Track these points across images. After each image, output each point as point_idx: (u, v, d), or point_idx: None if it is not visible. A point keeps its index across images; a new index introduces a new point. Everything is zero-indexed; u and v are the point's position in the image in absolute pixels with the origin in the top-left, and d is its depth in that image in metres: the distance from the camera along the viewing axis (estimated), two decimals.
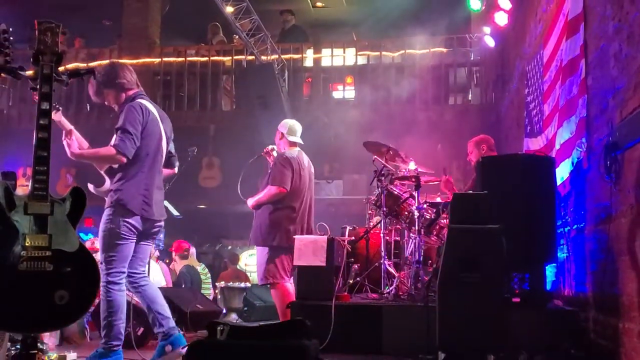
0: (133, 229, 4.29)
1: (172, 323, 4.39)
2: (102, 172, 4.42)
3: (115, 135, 4.31)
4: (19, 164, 10.12)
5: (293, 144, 5.97)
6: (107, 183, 4.38)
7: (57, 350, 5.06)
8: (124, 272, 4.29)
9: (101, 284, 4.11)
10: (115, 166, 4.32)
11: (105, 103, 4.54)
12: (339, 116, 9.91)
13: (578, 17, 4.71)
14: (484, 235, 3.82)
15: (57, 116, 4.18)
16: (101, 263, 4.22)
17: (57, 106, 4.19)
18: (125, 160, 4.21)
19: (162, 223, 4.57)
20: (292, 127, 6.03)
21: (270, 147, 6.14)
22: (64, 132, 4.21)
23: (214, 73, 11.23)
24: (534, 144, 6.29)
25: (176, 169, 4.86)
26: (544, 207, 4.64)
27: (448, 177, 6.52)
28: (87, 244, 5.83)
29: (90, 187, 4.38)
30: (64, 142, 4.21)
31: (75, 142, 4.26)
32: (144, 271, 4.51)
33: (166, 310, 4.40)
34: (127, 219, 4.25)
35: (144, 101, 4.42)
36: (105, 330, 4.17)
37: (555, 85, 5.42)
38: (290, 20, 11.61)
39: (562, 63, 5.18)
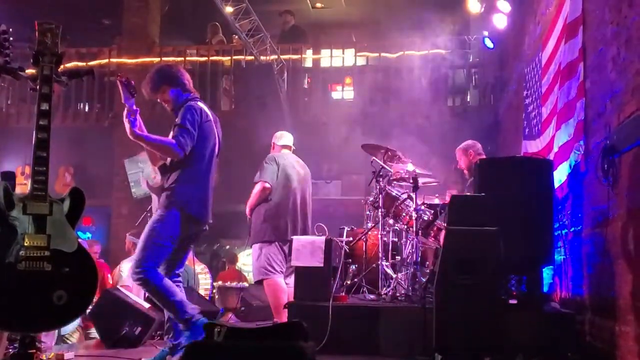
0: (182, 233, 4.25)
1: (185, 340, 4.28)
2: (154, 168, 4.42)
3: (172, 131, 4.30)
4: (17, 163, 10.12)
5: (283, 147, 6.18)
6: (158, 179, 4.38)
7: (55, 349, 5.07)
8: (157, 266, 4.21)
9: (136, 283, 4.14)
10: (168, 163, 4.33)
11: (159, 100, 4.52)
12: (337, 117, 9.91)
13: (577, 21, 4.73)
14: (481, 238, 3.83)
15: (131, 102, 4.15)
16: (137, 259, 4.15)
17: (133, 92, 4.15)
18: (182, 155, 4.21)
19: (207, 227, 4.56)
20: (281, 133, 6.33)
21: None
22: (127, 110, 4.15)
23: (213, 73, 11.23)
24: (532, 147, 6.30)
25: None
26: (541, 210, 4.65)
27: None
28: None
29: (143, 183, 4.37)
30: (126, 120, 4.15)
31: (139, 122, 4.21)
32: (180, 274, 4.47)
33: None
34: (179, 222, 4.22)
35: (201, 104, 4.45)
36: (176, 314, 4.13)
37: (554, 88, 5.43)
38: (290, 21, 11.62)
39: (560, 66, 5.19)
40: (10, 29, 3.85)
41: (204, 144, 4.35)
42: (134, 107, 4.18)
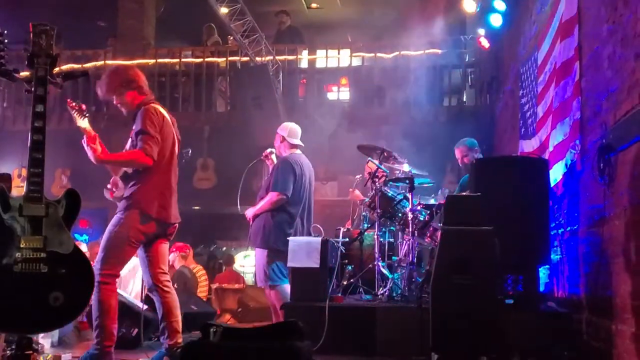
0: (143, 235, 4.27)
1: (180, 339, 4.34)
2: (116, 178, 4.41)
3: (131, 140, 4.31)
4: (14, 165, 10.10)
5: (294, 147, 5.99)
6: (121, 189, 4.37)
7: (52, 350, 5.06)
8: (117, 276, 4.29)
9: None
10: (130, 171, 4.31)
11: (115, 103, 4.49)
12: (333, 117, 9.91)
13: (572, 19, 4.73)
14: (477, 237, 3.84)
15: (84, 123, 4.18)
16: (97, 262, 4.20)
17: (86, 114, 4.20)
18: (151, 163, 4.21)
19: (177, 226, 4.54)
20: (292, 129, 6.04)
21: (269, 150, 6.13)
22: (86, 136, 4.18)
23: (209, 74, 11.21)
24: (528, 146, 6.31)
25: None
26: (537, 209, 4.66)
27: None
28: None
29: (106, 192, 4.38)
30: (87, 147, 4.18)
31: (99, 147, 4.22)
32: (166, 272, 4.47)
33: (179, 324, 4.38)
34: (140, 224, 4.23)
35: (157, 105, 4.44)
36: (97, 331, 4.15)
37: (550, 87, 5.44)
38: (286, 21, 11.61)
39: (556, 65, 5.20)
40: (5, 31, 3.85)
41: (163, 145, 4.33)
42: (92, 133, 4.20)
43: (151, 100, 4.47)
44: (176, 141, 4.52)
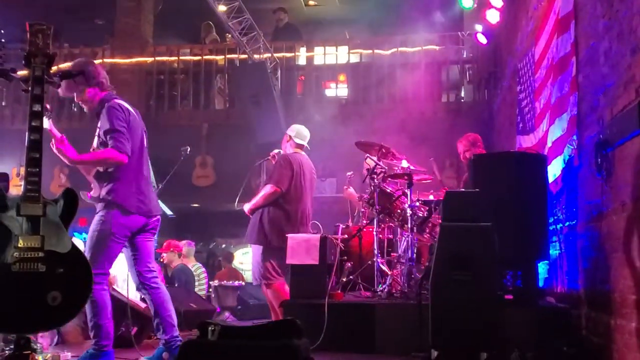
0: (127, 230, 4.27)
1: (176, 332, 4.34)
2: (90, 178, 4.38)
3: (98, 138, 4.28)
4: (12, 164, 10.10)
5: (299, 147, 6.01)
6: (96, 189, 4.34)
7: (52, 350, 5.06)
8: (107, 274, 4.27)
9: None
10: (101, 170, 4.30)
11: (76, 100, 4.44)
12: (331, 114, 9.91)
13: (569, 15, 4.73)
14: (475, 233, 3.84)
15: (48, 124, 4.14)
16: None
17: (48, 114, 4.16)
18: (126, 160, 4.18)
19: (159, 217, 4.53)
20: (300, 131, 6.09)
21: (275, 150, 6.16)
22: (54, 140, 4.13)
23: (207, 72, 11.21)
24: (526, 142, 6.31)
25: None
26: (536, 205, 4.67)
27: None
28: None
29: (83, 195, 4.35)
30: (55, 150, 4.13)
31: (71, 148, 4.18)
32: (154, 269, 4.46)
33: (173, 317, 4.36)
34: (122, 219, 4.22)
35: (120, 101, 4.38)
36: (93, 331, 4.15)
37: (547, 82, 5.45)
38: (284, 18, 11.60)
39: (553, 61, 5.20)
40: (2, 31, 3.84)
41: (133, 139, 4.30)
42: (58, 135, 4.14)
43: (113, 96, 4.41)
44: (144, 134, 4.48)
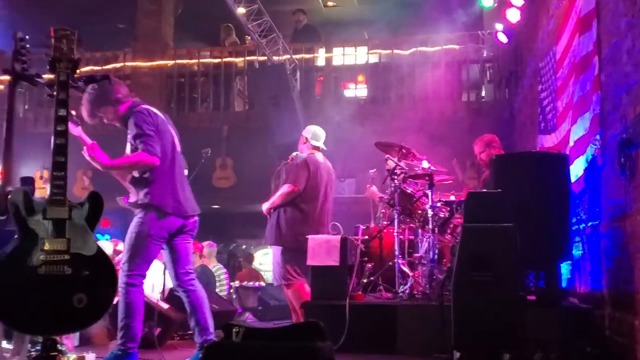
0: (165, 231, 4.31)
1: (211, 335, 4.34)
2: (126, 185, 4.44)
3: (130, 145, 4.32)
4: (35, 167, 10.21)
5: (316, 149, 6.03)
6: (133, 194, 4.40)
7: (77, 351, 5.12)
8: (144, 276, 4.31)
9: (120, 285, 4.15)
10: (137, 175, 4.35)
11: (105, 121, 4.50)
12: (351, 114, 9.91)
13: (590, 14, 4.70)
14: (497, 234, 3.83)
15: (77, 131, 4.21)
16: (123, 263, 4.25)
17: (77, 121, 4.23)
18: (157, 162, 4.22)
19: (197, 219, 4.56)
20: (316, 132, 6.12)
21: (294, 153, 6.19)
22: (86, 147, 4.19)
23: (227, 74, 11.28)
24: (548, 141, 6.27)
25: (185, 171, 4.87)
26: (558, 205, 4.64)
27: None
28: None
29: (119, 200, 4.41)
30: (88, 157, 4.18)
31: (102, 154, 4.22)
32: (191, 271, 4.49)
33: (207, 320, 4.37)
34: (160, 221, 4.27)
35: (146, 106, 4.44)
36: (122, 332, 4.19)
37: (569, 81, 5.41)
38: (303, 20, 11.63)
39: (575, 60, 5.16)
40: (27, 36, 3.89)
41: (162, 142, 4.35)
42: (89, 142, 4.19)
43: (138, 102, 4.47)
44: (175, 136, 4.53)
